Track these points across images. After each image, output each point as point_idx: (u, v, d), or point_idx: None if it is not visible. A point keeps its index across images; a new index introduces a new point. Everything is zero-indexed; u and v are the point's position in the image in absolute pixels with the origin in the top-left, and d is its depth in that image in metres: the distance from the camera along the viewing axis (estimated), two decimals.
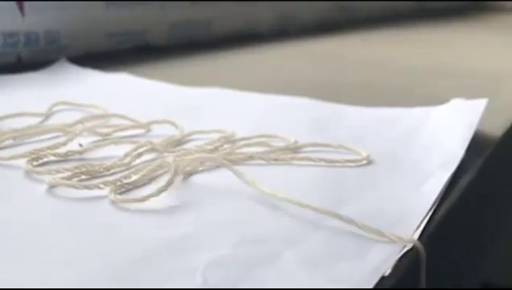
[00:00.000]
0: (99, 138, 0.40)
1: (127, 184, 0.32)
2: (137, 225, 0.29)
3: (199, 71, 0.68)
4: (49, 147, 0.37)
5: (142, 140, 0.38)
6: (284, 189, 0.31)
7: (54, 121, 0.45)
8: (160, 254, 0.26)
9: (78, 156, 0.37)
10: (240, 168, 0.33)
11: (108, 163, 0.35)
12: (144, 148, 0.37)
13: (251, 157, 0.37)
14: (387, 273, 0.25)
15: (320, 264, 0.25)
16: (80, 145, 0.37)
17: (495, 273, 0.48)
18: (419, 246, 0.27)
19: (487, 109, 0.43)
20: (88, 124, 0.42)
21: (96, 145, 0.38)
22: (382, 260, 0.25)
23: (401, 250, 0.26)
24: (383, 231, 0.27)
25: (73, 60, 0.65)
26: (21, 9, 0.62)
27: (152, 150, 0.37)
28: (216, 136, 0.40)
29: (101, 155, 0.37)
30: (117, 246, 0.26)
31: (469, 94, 0.47)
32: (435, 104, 0.47)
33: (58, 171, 0.34)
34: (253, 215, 0.30)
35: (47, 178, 0.33)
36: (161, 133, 0.41)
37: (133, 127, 0.43)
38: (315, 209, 0.29)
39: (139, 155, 0.36)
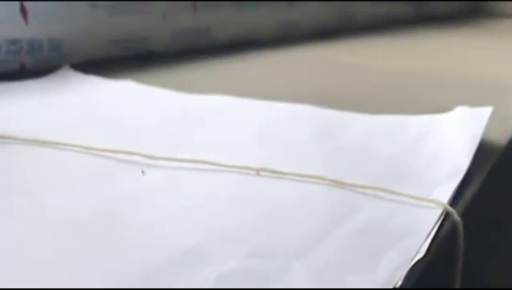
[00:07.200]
0: None
1: None
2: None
3: (200, 77, 0.68)
4: None
5: None
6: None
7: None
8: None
9: None
10: None
11: None
12: None
13: None
14: (398, 285, 0.25)
15: (330, 277, 0.25)
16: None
17: (498, 283, 0.48)
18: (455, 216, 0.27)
19: (491, 117, 0.43)
20: None
21: None
22: (393, 271, 0.26)
23: (412, 260, 0.26)
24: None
25: (76, 67, 0.65)
26: (24, 16, 0.62)
27: None
28: None
29: None
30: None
31: (473, 102, 0.47)
32: (438, 112, 0.47)
33: None
34: (262, 225, 0.30)
35: None
36: None
37: None
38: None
39: None
